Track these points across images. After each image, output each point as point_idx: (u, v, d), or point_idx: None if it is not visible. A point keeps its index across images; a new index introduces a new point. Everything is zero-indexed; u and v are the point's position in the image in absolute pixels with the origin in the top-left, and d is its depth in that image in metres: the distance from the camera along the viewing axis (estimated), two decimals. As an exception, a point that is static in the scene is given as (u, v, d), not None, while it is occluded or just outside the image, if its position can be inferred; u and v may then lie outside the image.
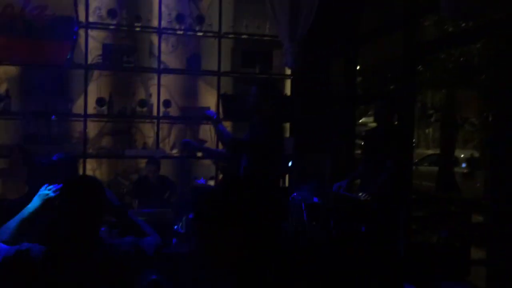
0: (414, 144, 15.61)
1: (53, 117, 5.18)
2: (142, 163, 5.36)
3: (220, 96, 5.67)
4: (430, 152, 13.08)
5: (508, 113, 3.04)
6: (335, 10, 5.23)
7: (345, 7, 5.26)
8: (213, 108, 5.72)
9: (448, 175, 8.98)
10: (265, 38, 5.68)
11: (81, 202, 1.85)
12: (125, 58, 5.30)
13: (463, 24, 5.14)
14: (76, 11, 4.89)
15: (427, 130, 16.71)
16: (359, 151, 5.82)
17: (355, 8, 5.32)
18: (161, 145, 5.59)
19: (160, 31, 5.44)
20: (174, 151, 5.64)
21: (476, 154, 9.49)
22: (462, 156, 10.08)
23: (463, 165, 9.65)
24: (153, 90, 5.52)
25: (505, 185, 3.15)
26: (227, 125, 5.89)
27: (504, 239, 3.16)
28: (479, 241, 5.08)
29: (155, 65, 5.50)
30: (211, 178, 5.66)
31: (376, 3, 5.27)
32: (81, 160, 5.24)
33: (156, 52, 5.50)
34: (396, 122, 4.11)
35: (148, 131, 5.69)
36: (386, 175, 3.71)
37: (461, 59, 7.31)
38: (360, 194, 3.87)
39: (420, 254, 4.51)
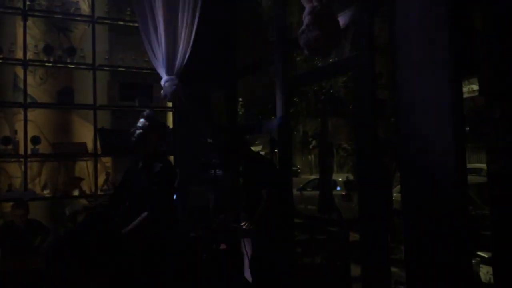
0: (298, 171, 16.33)
1: None
2: (8, 207, 4.82)
3: (97, 131, 5.40)
4: (313, 177, 13.86)
5: (365, 140, 3.36)
6: (212, 44, 5.38)
7: (222, 41, 5.43)
8: (89, 143, 5.42)
9: (328, 198, 9.58)
10: (144, 70, 5.60)
11: None
12: (-16, 92, 4.80)
13: (330, 60, 5.61)
14: None
15: (309, 157, 17.79)
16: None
17: (231, 43, 5.52)
18: (30, 185, 5.10)
19: (25, 63, 5.04)
20: (46, 191, 5.18)
21: (351, 177, 10.30)
22: (340, 179, 10.85)
23: (338, 188, 10.38)
24: (19, 126, 5.05)
25: (369, 206, 3.43)
26: (107, 160, 5.62)
27: (372, 254, 3.42)
28: (356, 258, 5.43)
29: (20, 99, 5.06)
30: (89, 218, 5.30)
31: (251, 40, 5.55)
32: None
33: (21, 85, 5.07)
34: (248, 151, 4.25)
35: (14, 171, 5.17)
36: (263, 203, 3.81)
37: (331, 91, 8.04)
38: (243, 224, 3.92)
39: (304, 275, 4.68)
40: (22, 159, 5.01)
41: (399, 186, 6.87)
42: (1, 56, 4.96)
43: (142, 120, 3.36)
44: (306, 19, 2.48)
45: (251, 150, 4.18)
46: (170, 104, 5.74)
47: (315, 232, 6.82)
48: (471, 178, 2.62)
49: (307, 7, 2.50)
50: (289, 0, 4.88)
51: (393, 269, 3.71)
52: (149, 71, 5.55)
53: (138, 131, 3.30)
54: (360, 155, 3.64)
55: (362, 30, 3.33)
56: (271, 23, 5.29)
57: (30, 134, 5.03)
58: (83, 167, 5.46)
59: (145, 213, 3.16)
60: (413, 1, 2.59)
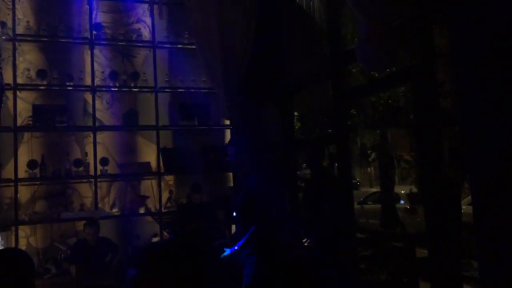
0: (358, 183, 15.93)
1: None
2: (80, 225, 5.10)
3: (160, 151, 5.61)
4: (373, 190, 13.46)
5: (429, 150, 3.22)
6: (267, 61, 5.43)
7: (276, 57, 5.47)
8: (153, 163, 5.63)
9: (391, 211, 9.26)
10: (201, 90, 5.77)
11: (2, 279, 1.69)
12: (58, 118, 5.16)
13: (388, 70, 5.48)
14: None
15: (368, 169, 17.33)
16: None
17: (286, 58, 5.55)
18: (100, 205, 5.38)
19: (93, 89, 5.37)
20: (115, 210, 5.43)
21: (415, 190, 9.90)
22: (402, 192, 10.44)
23: (402, 201, 9.97)
24: (89, 148, 5.37)
25: (438, 219, 3.27)
26: (170, 179, 5.81)
27: (442, 271, 3.24)
28: (424, 275, 5.19)
29: (90, 123, 5.39)
30: (154, 236, 5.48)
31: (305, 54, 5.54)
32: (12, 228, 4.93)
33: (90, 109, 5.40)
34: (325, 165, 4.23)
35: (85, 191, 5.46)
36: (325, 219, 3.75)
37: (389, 101, 7.83)
38: (304, 240, 3.87)
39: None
40: (92, 180, 5.31)
41: (467, 198, 6.53)
42: (71, 83, 5.32)
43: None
44: (362, 33, 2.45)
45: (311, 165, 4.14)
46: (227, 122, 5.86)
47: (379, 248, 6.60)
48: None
49: (363, 20, 2.47)
50: (342, 12, 4.84)
51: (466, 287, 3.50)
52: (207, 90, 5.71)
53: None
54: (423, 166, 3.50)
55: (421, 38, 3.22)
56: (324, 35, 5.26)
57: (99, 156, 5.33)
58: (148, 185, 5.68)
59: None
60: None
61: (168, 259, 1.26)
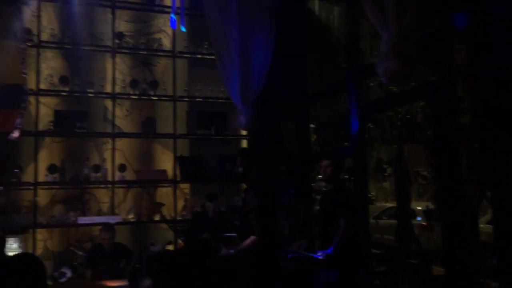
0: (373, 198, 15.75)
1: (0, 188, 4.97)
2: (97, 230, 5.14)
3: (176, 158, 5.66)
4: (389, 205, 13.30)
5: (446, 167, 3.19)
6: (285, 71, 5.46)
7: (294, 69, 5.50)
8: (169, 171, 5.68)
9: (407, 227, 9.14)
10: (219, 100, 5.82)
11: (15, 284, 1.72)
12: (78, 123, 5.26)
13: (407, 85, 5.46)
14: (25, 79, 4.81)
15: (384, 184, 17.12)
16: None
17: (303, 70, 5.57)
18: (116, 210, 5.44)
19: (114, 96, 5.47)
20: (130, 215, 5.48)
21: (431, 206, 9.75)
22: (419, 208, 10.29)
23: (418, 218, 9.83)
24: (108, 154, 5.45)
25: (455, 237, 3.23)
26: (185, 187, 5.85)
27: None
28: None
29: (109, 129, 5.48)
30: (169, 243, 5.50)
31: (323, 67, 5.57)
32: (30, 231, 5.01)
33: (110, 116, 5.49)
34: (341, 178, 4.21)
35: (103, 196, 5.54)
36: (340, 234, 3.73)
37: (407, 116, 7.78)
38: (320, 253, 3.84)
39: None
40: (110, 186, 5.37)
41: (485, 216, 6.40)
42: (92, 90, 5.43)
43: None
44: (383, 47, 2.45)
45: (326, 177, 4.12)
46: (244, 132, 5.89)
47: (394, 264, 6.50)
48: None
49: (384, 35, 2.47)
50: (361, 26, 4.85)
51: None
52: (224, 100, 5.76)
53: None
54: (441, 183, 3.46)
55: (441, 53, 3.21)
56: (342, 48, 5.29)
57: (117, 162, 5.41)
58: (164, 193, 5.73)
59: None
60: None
61: (180, 268, 1.27)
